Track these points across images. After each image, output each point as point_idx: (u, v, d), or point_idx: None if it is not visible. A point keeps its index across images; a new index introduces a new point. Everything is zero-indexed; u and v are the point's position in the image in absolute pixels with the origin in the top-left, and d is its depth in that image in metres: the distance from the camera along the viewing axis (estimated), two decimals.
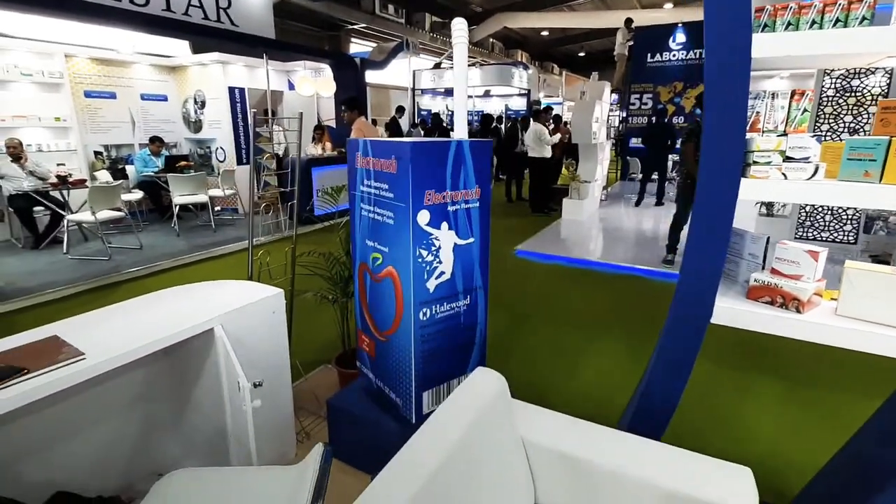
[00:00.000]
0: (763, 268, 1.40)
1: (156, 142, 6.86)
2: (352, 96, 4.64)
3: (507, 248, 5.56)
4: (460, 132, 1.91)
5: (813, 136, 1.19)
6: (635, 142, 11.00)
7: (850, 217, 5.49)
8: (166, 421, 2.00)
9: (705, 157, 1.29)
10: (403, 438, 1.09)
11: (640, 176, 8.92)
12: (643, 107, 11.08)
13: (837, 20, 1.14)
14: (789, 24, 1.21)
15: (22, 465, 1.60)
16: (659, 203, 8.05)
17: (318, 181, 6.81)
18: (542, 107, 8.75)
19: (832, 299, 1.32)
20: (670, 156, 8.29)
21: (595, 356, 3.12)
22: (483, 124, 10.08)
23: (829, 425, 2.36)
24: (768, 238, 1.39)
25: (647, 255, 5.26)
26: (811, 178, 1.22)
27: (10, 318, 3.73)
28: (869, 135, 1.18)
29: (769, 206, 5.91)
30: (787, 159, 1.23)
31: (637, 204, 8.15)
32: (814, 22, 1.18)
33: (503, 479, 1.27)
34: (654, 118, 8.67)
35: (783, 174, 1.23)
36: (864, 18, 1.10)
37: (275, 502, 1.02)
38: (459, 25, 1.79)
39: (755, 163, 1.24)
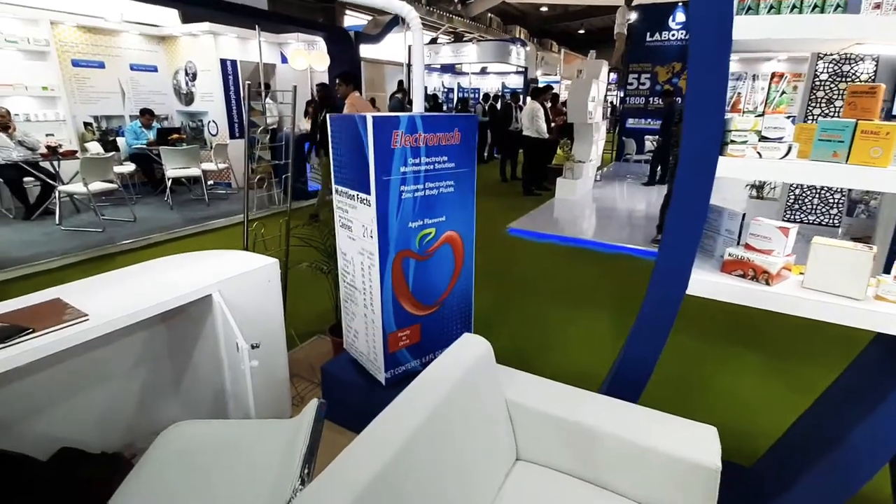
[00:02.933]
0: (738, 243, 1.47)
1: (146, 114, 6.78)
2: (346, 70, 4.59)
3: (500, 227, 5.62)
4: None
5: (788, 118, 1.25)
6: (632, 122, 11.01)
7: (836, 201, 5.60)
8: (166, 382, 2.08)
9: (686, 135, 1.34)
10: None
11: (639, 157, 8.98)
12: (641, 87, 11.03)
13: (815, 6, 1.19)
14: (771, 6, 1.25)
15: (29, 421, 1.67)
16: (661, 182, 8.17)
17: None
18: (542, 85, 8.69)
19: (800, 273, 1.40)
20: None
21: (580, 330, 3.22)
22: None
23: (797, 394, 2.49)
24: (744, 215, 1.46)
25: (638, 235, 5.36)
26: (784, 157, 1.28)
27: (6, 287, 3.76)
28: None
29: (759, 188, 6.00)
30: (763, 139, 1.29)
31: (648, 184, 8.30)
32: (794, 6, 1.23)
33: (487, 435, 1.36)
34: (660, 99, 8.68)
35: (758, 153, 1.29)
36: (838, 6, 1.15)
37: (272, 452, 1.10)
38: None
39: (732, 142, 1.29)
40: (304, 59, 7.00)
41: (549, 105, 7.85)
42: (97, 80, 6.88)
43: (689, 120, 1.33)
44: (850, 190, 4.94)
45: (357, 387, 2.04)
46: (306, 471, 0.93)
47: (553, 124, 7.77)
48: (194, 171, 6.40)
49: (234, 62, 7.33)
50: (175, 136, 6.79)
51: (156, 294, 1.56)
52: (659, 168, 8.36)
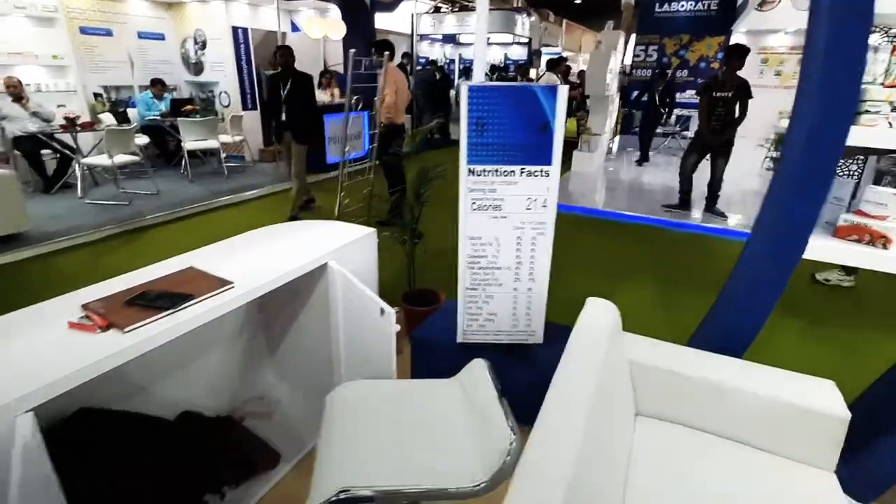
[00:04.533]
0: (848, 209, 1.54)
1: (157, 84, 6.59)
2: (383, 39, 4.49)
3: None
4: None
5: None
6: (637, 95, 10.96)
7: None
8: (262, 350, 2.13)
9: (804, 106, 1.39)
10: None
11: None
12: (648, 58, 10.93)
13: None
14: None
15: (155, 386, 1.72)
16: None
17: (330, 129, 6.69)
18: (556, 57, 8.60)
19: None
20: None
21: (623, 300, 3.33)
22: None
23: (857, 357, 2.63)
24: (857, 183, 1.53)
25: (654, 205, 5.44)
26: None
27: (46, 261, 3.73)
28: None
29: (777, 161, 6.11)
30: (895, 109, 1.34)
31: (640, 163, 8.14)
32: None
33: (619, 394, 1.44)
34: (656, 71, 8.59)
35: (889, 123, 1.35)
36: None
37: (446, 405, 1.16)
38: None
39: (867, 112, 1.35)
40: (319, 27, 6.82)
41: (561, 78, 7.79)
42: (105, 48, 6.64)
43: (810, 92, 1.38)
44: None
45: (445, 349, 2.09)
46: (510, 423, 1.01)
47: None
48: (212, 144, 6.28)
49: (245, 30, 7.11)
50: (189, 107, 6.63)
51: (279, 262, 1.59)
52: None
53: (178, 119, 6.08)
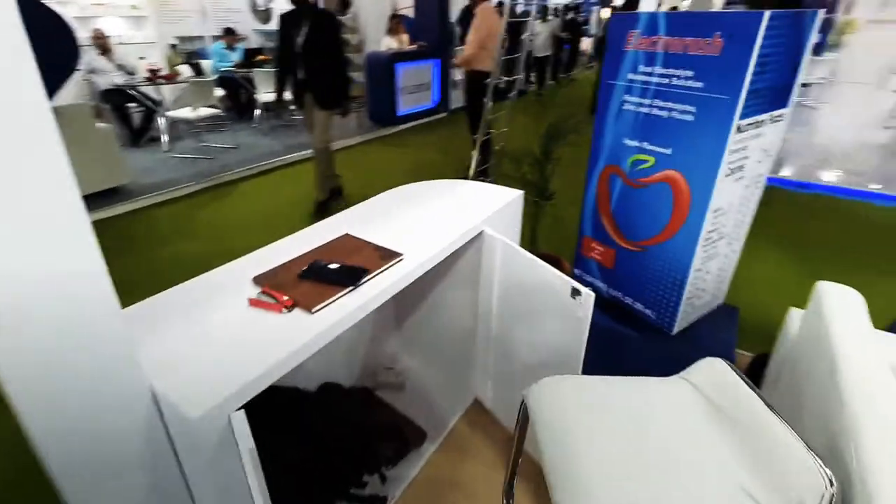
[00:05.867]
0: None
1: (230, 34, 6.47)
2: None
3: None
4: None
5: None
6: None
7: None
8: (391, 317, 2.02)
9: None
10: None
11: None
12: None
13: None
14: None
15: None
16: None
17: (403, 79, 6.39)
18: None
19: None
20: None
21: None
22: None
23: None
24: None
25: None
26: None
27: (148, 214, 3.80)
28: None
29: None
30: None
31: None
32: None
33: None
34: None
35: None
36: None
37: (691, 414, 0.97)
38: None
39: None
40: None
41: None
42: None
43: None
44: None
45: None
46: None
47: None
48: (286, 95, 6.14)
49: None
50: (261, 56, 6.49)
51: (434, 230, 1.41)
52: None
53: (254, 69, 5.96)
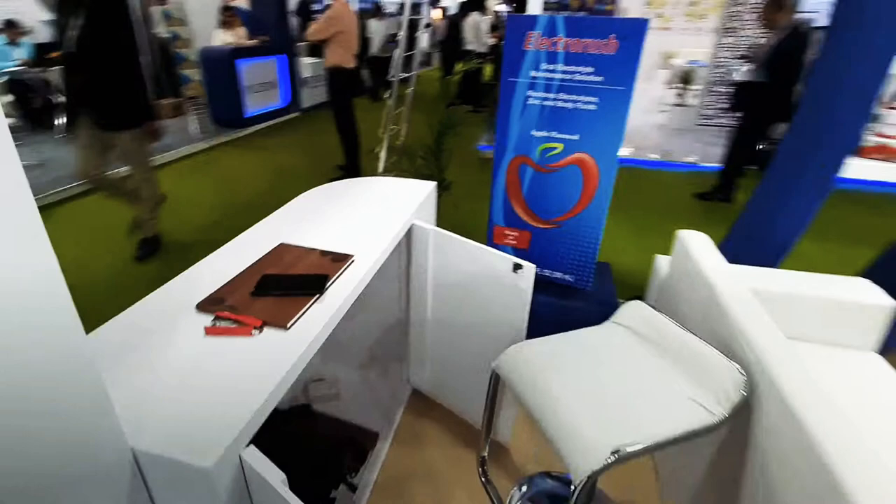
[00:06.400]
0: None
1: (11, 27, 5.20)
2: None
3: (468, 144, 5.58)
4: None
5: None
6: None
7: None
8: None
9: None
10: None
11: None
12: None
13: None
14: None
15: None
16: None
17: (247, 77, 5.89)
18: None
19: None
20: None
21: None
22: None
23: None
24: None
25: None
26: None
27: None
28: None
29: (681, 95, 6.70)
30: None
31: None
32: None
33: None
34: None
35: None
36: None
37: (633, 351, 1.16)
38: None
39: None
40: None
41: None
42: None
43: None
44: None
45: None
46: None
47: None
48: None
49: None
50: (55, 53, 5.34)
51: (367, 228, 1.42)
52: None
53: (48, 69, 4.91)
